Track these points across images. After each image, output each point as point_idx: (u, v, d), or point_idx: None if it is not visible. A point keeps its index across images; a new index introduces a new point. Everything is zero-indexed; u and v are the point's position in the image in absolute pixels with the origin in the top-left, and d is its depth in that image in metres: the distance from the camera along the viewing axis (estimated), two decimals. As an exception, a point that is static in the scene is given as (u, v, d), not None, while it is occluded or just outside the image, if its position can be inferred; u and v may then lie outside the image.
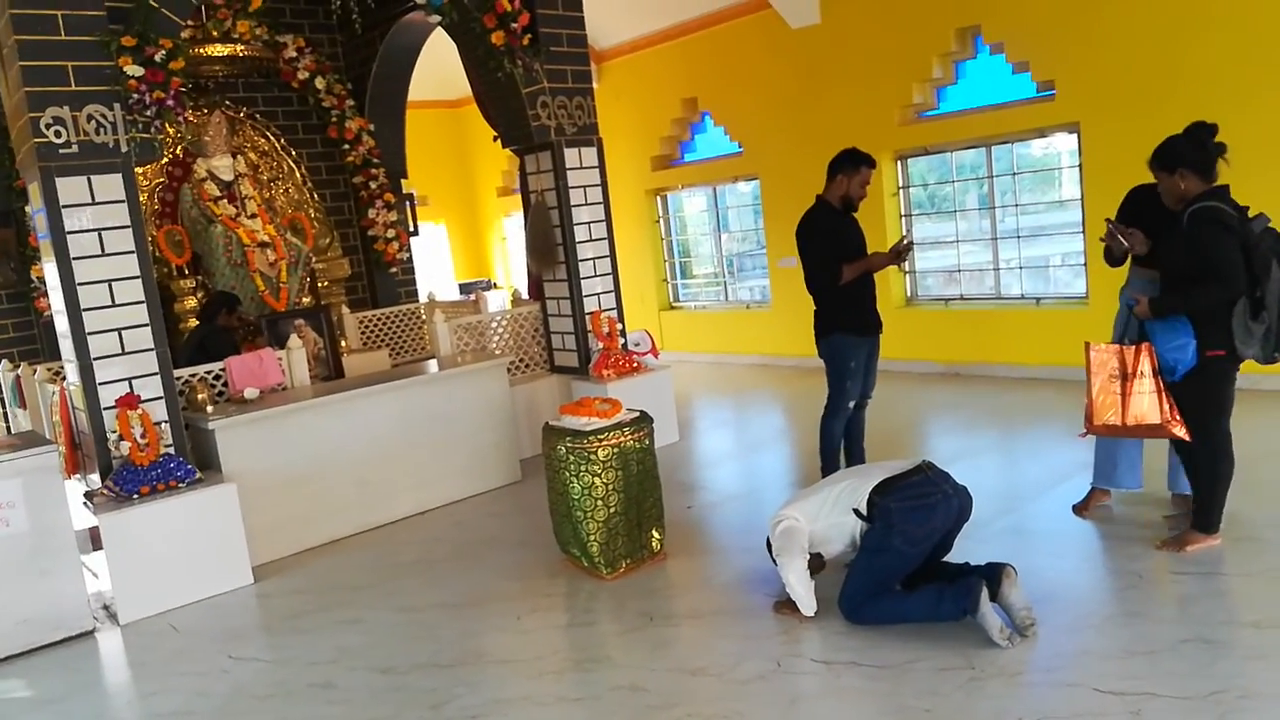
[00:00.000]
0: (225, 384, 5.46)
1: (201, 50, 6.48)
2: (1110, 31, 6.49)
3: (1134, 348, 3.77)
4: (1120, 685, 2.96)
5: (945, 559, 3.64)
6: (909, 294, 8.32)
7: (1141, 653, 3.19)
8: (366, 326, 7.85)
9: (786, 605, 3.69)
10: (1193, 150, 3.65)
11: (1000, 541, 4.17)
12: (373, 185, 7.94)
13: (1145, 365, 3.74)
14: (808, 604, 3.59)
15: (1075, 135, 6.90)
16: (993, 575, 3.36)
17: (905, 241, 4.85)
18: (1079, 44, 6.64)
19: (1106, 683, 2.98)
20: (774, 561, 3.69)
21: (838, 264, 4.71)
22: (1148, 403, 3.75)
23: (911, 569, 3.51)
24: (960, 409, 6.90)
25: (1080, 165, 6.88)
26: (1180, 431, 3.75)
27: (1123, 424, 3.83)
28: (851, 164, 4.73)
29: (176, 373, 5.09)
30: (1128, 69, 6.44)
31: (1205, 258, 3.53)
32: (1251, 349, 3.62)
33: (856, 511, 3.52)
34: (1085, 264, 6.99)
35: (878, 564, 3.50)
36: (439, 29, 6.52)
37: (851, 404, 4.96)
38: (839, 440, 4.99)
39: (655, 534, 4.44)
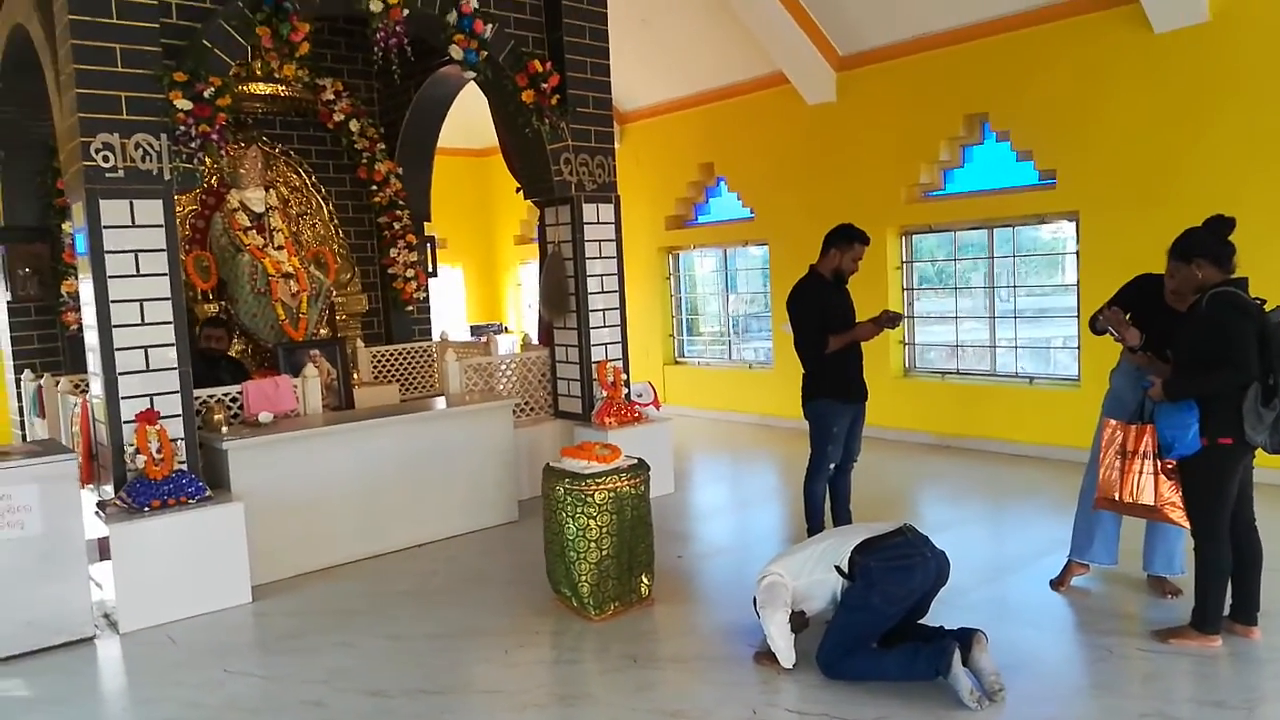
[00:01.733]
0: (241, 407, 5.65)
1: (245, 88, 6.78)
2: (1110, 128, 6.78)
3: (1138, 427, 3.88)
4: (1080, 752, 3.08)
5: (922, 621, 3.78)
6: (907, 365, 8.52)
7: (1102, 722, 3.33)
8: (379, 361, 8.06)
9: (767, 657, 3.82)
10: (1211, 241, 3.76)
11: (979, 610, 4.30)
12: (396, 226, 8.20)
13: (1147, 445, 3.84)
14: (787, 656, 3.72)
15: (1074, 223, 7.16)
16: (965, 639, 3.50)
17: (889, 313, 5.00)
18: (1080, 137, 6.93)
19: (1067, 749, 3.11)
20: (758, 615, 3.83)
21: (824, 334, 4.92)
22: (1146, 483, 3.84)
23: (888, 628, 3.65)
24: (950, 480, 7.05)
25: (1078, 253, 7.12)
26: (1176, 516, 3.82)
27: (1121, 501, 3.94)
28: (846, 240, 4.98)
29: (195, 393, 5.28)
30: (1125, 164, 6.72)
31: (1221, 341, 3.61)
32: (1261, 436, 3.64)
33: (838, 569, 3.67)
34: (1079, 347, 7.19)
35: (856, 621, 3.64)
36: (472, 83, 6.84)
37: (833, 466, 5.14)
38: (821, 499, 5.15)
39: (645, 579, 4.58)
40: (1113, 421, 4.02)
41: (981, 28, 7.38)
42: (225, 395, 5.63)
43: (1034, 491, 6.44)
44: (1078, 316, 7.17)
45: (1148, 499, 3.86)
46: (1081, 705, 3.46)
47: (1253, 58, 6.10)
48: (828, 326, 4.97)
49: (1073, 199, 7.07)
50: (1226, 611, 3.89)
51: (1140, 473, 3.87)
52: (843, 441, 5.12)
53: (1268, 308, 3.70)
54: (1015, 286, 7.96)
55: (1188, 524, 3.83)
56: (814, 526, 5.11)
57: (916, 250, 8.51)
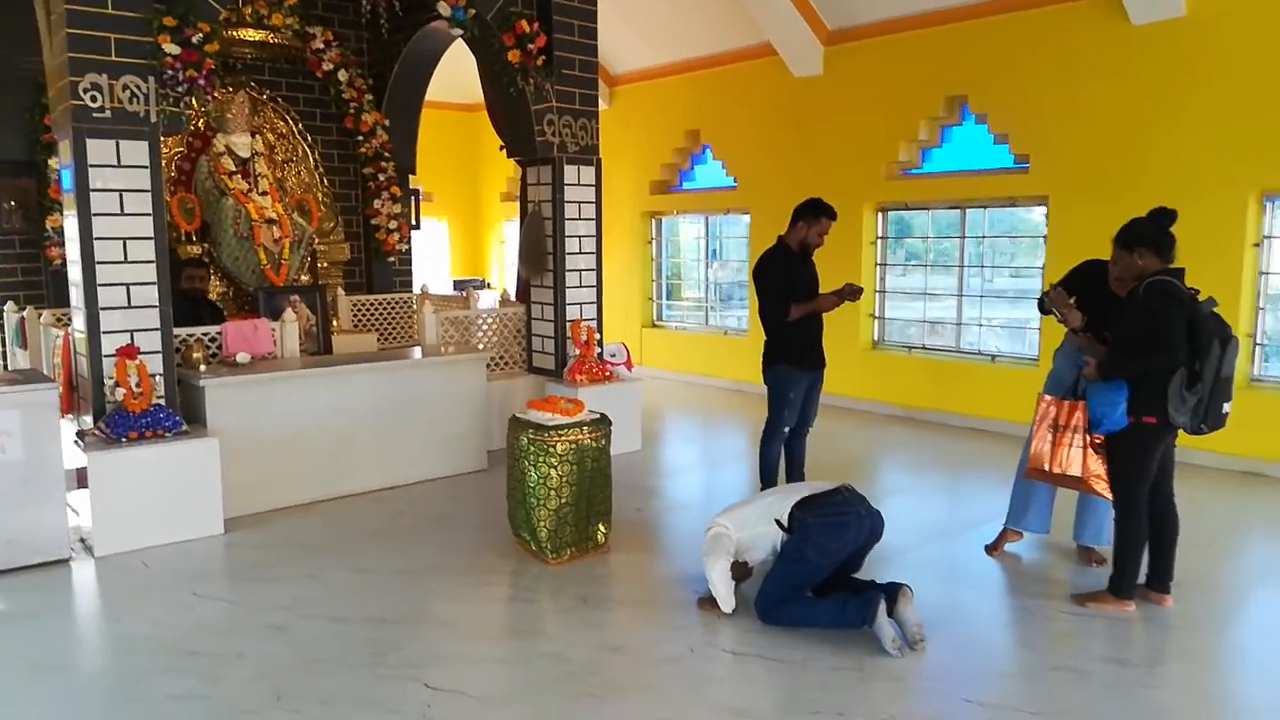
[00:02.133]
0: (220, 346, 5.81)
1: (234, 33, 6.85)
2: (1084, 116, 6.94)
3: (1070, 403, 4.11)
4: (985, 698, 3.33)
5: (855, 576, 4.01)
6: (876, 338, 8.73)
7: (1013, 674, 3.59)
8: (359, 310, 8.20)
9: (709, 602, 4.05)
10: (1154, 232, 3.96)
11: (915, 568, 4.53)
12: (381, 177, 8.30)
13: (1078, 420, 4.06)
14: (727, 601, 3.95)
15: (1044, 208, 7.34)
16: (892, 593, 3.74)
17: (851, 286, 5.18)
18: (1055, 124, 7.09)
19: (974, 695, 3.36)
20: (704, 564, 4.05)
21: (787, 302, 5.10)
22: (1074, 455, 4.08)
23: (822, 579, 3.88)
24: (910, 450, 7.29)
25: (1045, 237, 7.32)
26: (1100, 488, 4.06)
27: (1050, 471, 4.17)
28: (813, 213, 5.15)
29: (174, 331, 5.43)
30: (1097, 152, 6.89)
31: (1154, 327, 3.81)
32: (1183, 417, 3.85)
33: (778, 522, 3.89)
34: (1040, 328, 7.40)
35: (792, 571, 3.87)
36: (460, 39, 6.92)
37: (787, 429, 5.35)
38: (775, 460, 5.37)
39: (601, 528, 4.80)
40: (1047, 397, 4.25)
41: (966, 10, 7.50)
42: (204, 335, 5.78)
43: (988, 464, 6.68)
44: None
45: (1075, 470, 4.09)
46: (997, 658, 3.72)
47: (1226, 53, 6.25)
48: (791, 296, 5.15)
49: (1044, 184, 7.25)
50: (1142, 580, 4.14)
51: (1070, 446, 4.10)
52: (799, 407, 5.33)
53: (1201, 298, 3.89)
54: (984, 267, 8.15)
55: (1110, 495, 4.06)
56: (766, 485, 5.33)
57: (896, 227, 8.68)
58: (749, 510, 4.05)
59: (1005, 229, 8.46)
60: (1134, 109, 6.70)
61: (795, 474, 5.51)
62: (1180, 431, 3.97)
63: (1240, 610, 4.24)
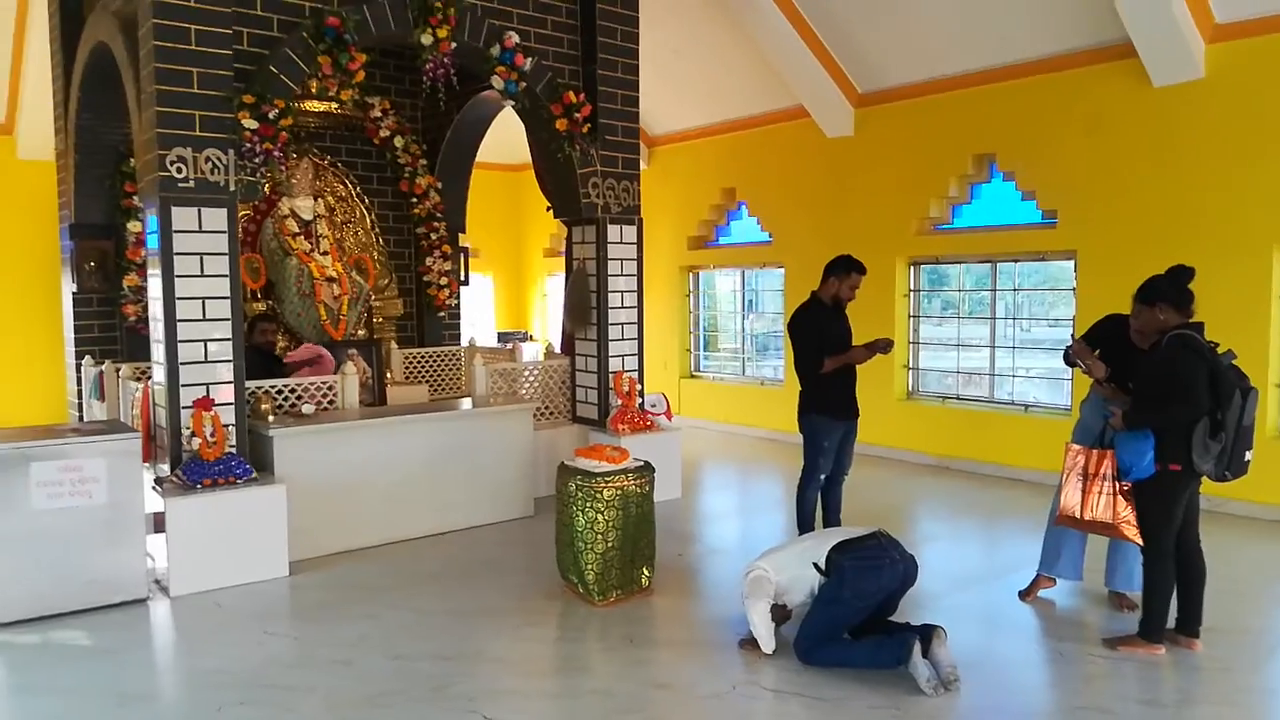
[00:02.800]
0: (285, 399, 6.18)
1: (301, 104, 7.36)
2: (1109, 173, 7.17)
3: (1099, 451, 4.27)
4: (1017, 735, 3.49)
5: (890, 618, 4.19)
6: (910, 389, 8.91)
7: (1044, 713, 3.74)
8: (411, 362, 8.57)
9: (750, 643, 4.25)
10: (1172, 289, 4.16)
11: (949, 613, 4.68)
12: (433, 236, 8.74)
13: (1107, 469, 4.22)
14: (767, 642, 4.14)
15: (1072, 262, 7.54)
16: (926, 634, 3.91)
17: (883, 340, 5.41)
18: (1081, 181, 7.33)
19: (1006, 732, 3.51)
20: (744, 606, 4.26)
21: (821, 355, 5.36)
22: (1104, 502, 4.23)
23: (858, 621, 4.07)
24: (944, 498, 7.43)
25: (1074, 289, 7.50)
26: (1130, 533, 4.20)
27: (1081, 518, 4.32)
28: (844, 269, 5.42)
29: (285, 382, 5.89)
30: (1122, 208, 7.10)
31: (1175, 378, 3.99)
32: (1207, 464, 3.99)
33: (815, 566, 4.09)
34: (1071, 378, 7.55)
35: (829, 614, 4.06)
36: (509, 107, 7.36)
37: (823, 476, 5.56)
38: (812, 507, 5.57)
39: (645, 571, 5.02)
40: (1075, 446, 4.42)
41: (992, 73, 7.80)
42: (273, 388, 6.15)
43: (1021, 512, 6.80)
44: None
45: (1105, 516, 4.24)
46: (1027, 698, 3.87)
47: (1245, 112, 6.47)
48: (825, 349, 5.40)
49: (1072, 239, 7.46)
50: (1172, 624, 4.27)
51: (1100, 493, 4.25)
52: (834, 455, 5.54)
53: (1221, 350, 4.07)
54: (1015, 319, 8.34)
55: (1140, 540, 4.20)
56: (804, 531, 5.53)
57: (928, 280, 8.91)
58: (787, 554, 4.25)
59: (1037, 281, 8.65)
60: (1157, 166, 6.91)
61: (832, 520, 5.70)
62: (1205, 480, 4.13)
63: (1270, 655, 4.33)
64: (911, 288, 8.82)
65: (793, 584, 4.18)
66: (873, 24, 8.18)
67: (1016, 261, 8.11)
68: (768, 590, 4.17)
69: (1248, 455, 4.08)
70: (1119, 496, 4.21)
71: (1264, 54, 6.36)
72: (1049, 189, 7.60)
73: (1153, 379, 4.13)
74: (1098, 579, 4.94)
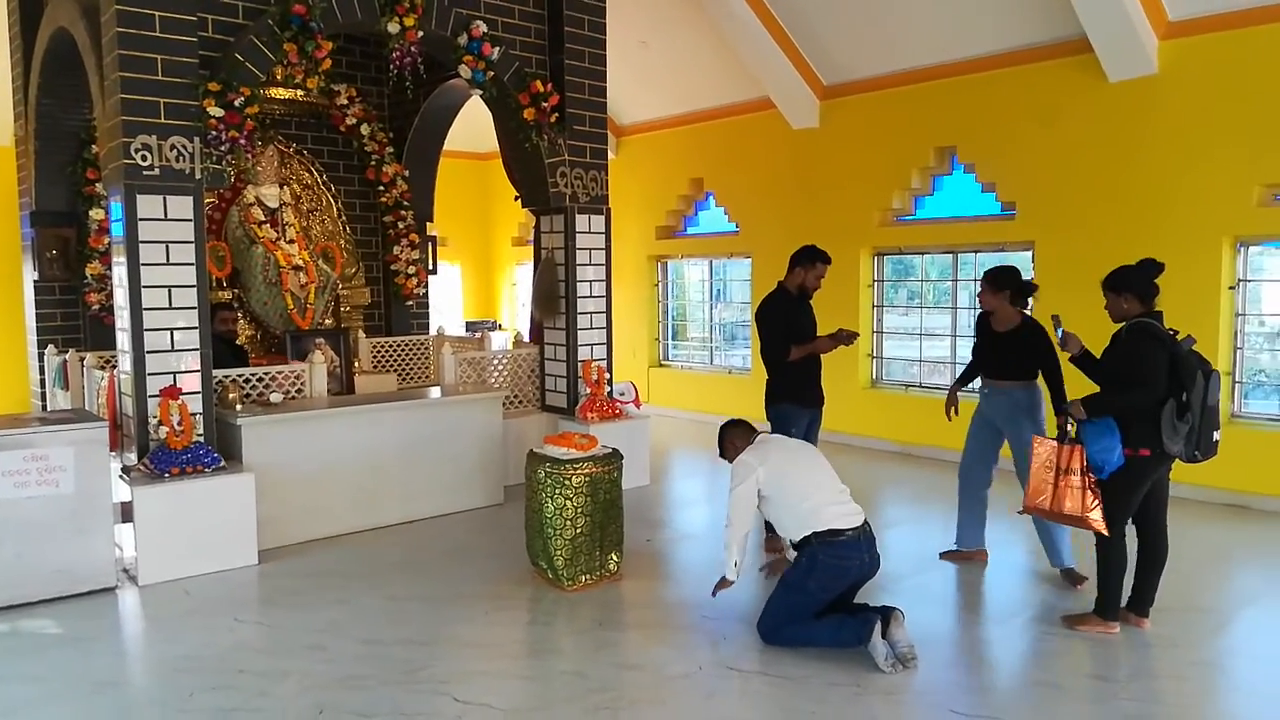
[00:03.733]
0: (253, 388, 6.16)
1: (266, 92, 7.29)
2: (1065, 166, 7.35)
3: (1068, 447, 4.30)
4: (972, 710, 3.62)
5: (852, 600, 4.31)
6: (874, 377, 9.07)
7: (999, 689, 3.89)
8: (379, 351, 8.57)
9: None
10: (1141, 280, 4.28)
11: (911, 593, 4.82)
12: (400, 225, 8.73)
13: (1076, 463, 4.26)
14: (730, 567, 4.24)
15: (1030, 253, 7.72)
16: (885, 616, 4.03)
17: (845, 331, 5.50)
18: (1039, 173, 7.50)
19: (961, 707, 3.64)
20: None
21: (787, 344, 5.46)
22: (1071, 495, 4.27)
23: (818, 609, 4.17)
24: (907, 484, 7.60)
25: (1032, 279, 7.67)
26: (1097, 525, 4.24)
27: (1049, 509, 4.38)
28: (809, 259, 5.53)
29: (253, 370, 5.91)
30: (1078, 200, 7.29)
31: (1135, 363, 4.13)
32: (1177, 446, 4.07)
33: (792, 543, 4.19)
34: (1030, 367, 7.72)
35: (793, 601, 4.16)
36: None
37: None
38: None
39: (614, 557, 5.10)
40: (1043, 440, 4.45)
41: (953, 67, 7.95)
42: (240, 376, 6.13)
43: (980, 498, 6.97)
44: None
45: (1074, 510, 4.26)
46: (984, 674, 4.02)
47: (1196, 107, 6.66)
48: (791, 338, 5.50)
49: (1030, 230, 7.63)
50: (1124, 602, 4.42)
51: (1070, 487, 4.28)
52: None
53: (1180, 337, 4.19)
54: (976, 309, 8.48)
55: (1106, 530, 4.24)
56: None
57: (892, 270, 9.06)
58: (798, 491, 4.19)
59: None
60: (1112, 160, 7.10)
61: None
62: (1175, 464, 4.24)
63: (1218, 632, 4.50)
64: (875, 278, 8.97)
65: (772, 513, 4.26)
66: (837, 17, 8.29)
67: (977, 252, 8.28)
68: (751, 504, 4.22)
69: (1216, 435, 4.16)
70: (1088, 491, 4.24)
71: (1215, 50, 6.54)
72: (1008, 181, 7.76)
73: (1114, 365, 4.25)
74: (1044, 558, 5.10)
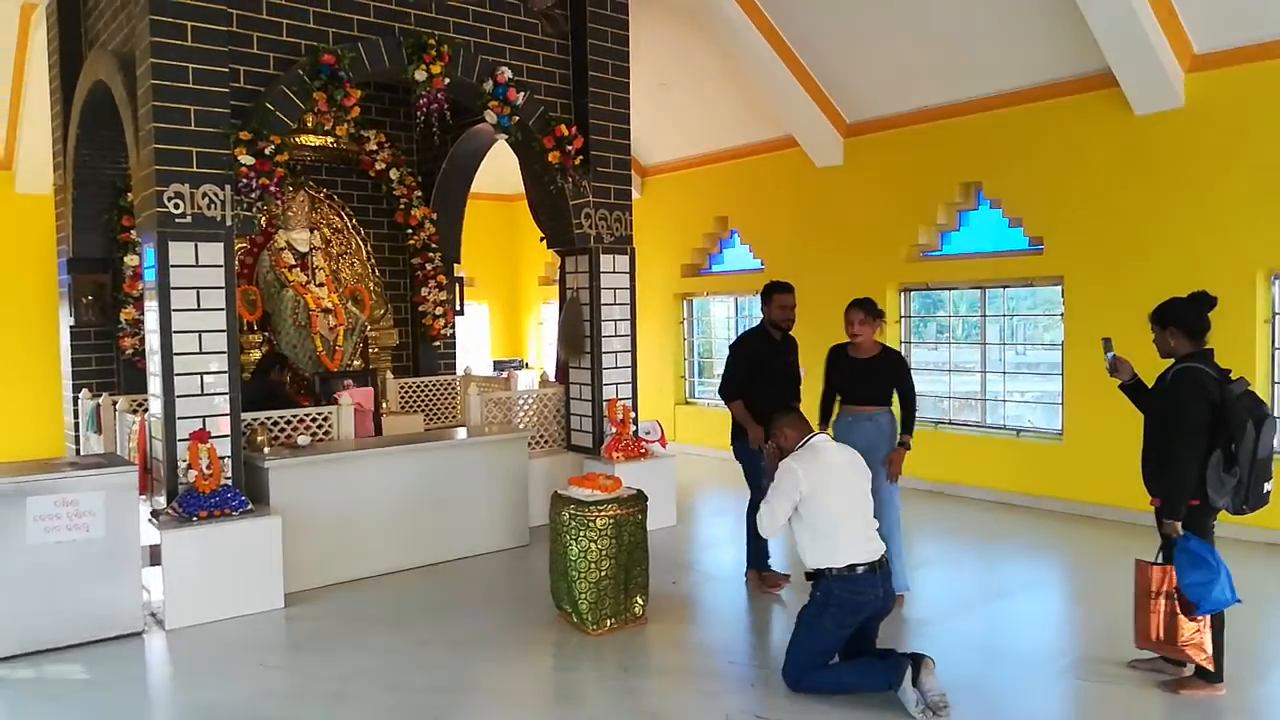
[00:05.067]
0: (281, 430, 6.22)
1: (297, 138, 7.46)
2: (1093, 200, 7.27)
3: (1160, 568, 3.96)
4: (1007, 760, 3.52)
5: (877, 643, 4.21)
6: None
7: (1034, 738, 3.76)
8: (407, 391, 8.63)
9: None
10: (1188, 314, 4.02)
11: (944, 639, 4.71)
12: (428, 267, 8.83)
13: (1169, 585, 3.90)
14: (769, 527, 4.14)
15: (1060, 287, 7.63)
16: (916, 663, 3.93)
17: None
18: (1066, 208, 7.44)
19: (996, 757, 3.54)
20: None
21: (743, 385, 5.57)
22: (1166, 623, 3.92)
23: (839, 647, 4.09)
24: (938, 523, 7.46)
25: (1063, 314, 7.59)
26: (1200, 658, 3.87)
27: (1154, 642, 3.98)
28: (766, 295, 5.65)
29: (281, 413, 6.00)
30: (1107, 234, 7.20)
31: (1174, 412, 3.93)
32: (1224, 499, 3.87)
33: (807, 572, 4.12)
34: (1062, 403, 7.61)
35: (812, 641, 4.08)
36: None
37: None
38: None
39: (639, 600, 5.05)
40: (1141, 563, 4.11)
41: (977, 103, 7.93)
42: (268, 419, 6.19)
43: (1012, 536, 6.84)
44: (1061, 374, 7.62)
45: (1171, 638, 3.93)
46: (1017, 723, 3.89)
47: (1225, 139, 6.59)
48: (758, 375, 5.55)
49: (1059, 264, 7.55)
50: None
51: (1160, 613, 3.95)
52: None
53: (1234, 377, 3.95)
54: (1005, 345, 8.41)
55: (1210, 665, 3.93)
56: (751, 554, 5.69)
57: (920, 305, 9.00)
58: (830, 514, 4.05)
59: (1028, 306, 8.73)
60: (1141, 193, 7.02)
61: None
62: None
63: (1263, 679, 4.35)
64: (903, 314, 8.90)
65: (799, 529, 4.14)
66: (858, 56, 8.32)
67: (1005, 287, 8.20)
68: (794, 497, 4.08)
69: (1267, 486, 3.91)
70: (1181, 618, 3.91)
71: (1242, 82, 6.48)
72: (1035, 216, 7.70)
73: (1161, 413, 4.05)
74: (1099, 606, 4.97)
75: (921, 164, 8.43)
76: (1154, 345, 4.18)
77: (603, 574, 4.84)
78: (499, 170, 10.64)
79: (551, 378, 8.36)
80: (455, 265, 9.31)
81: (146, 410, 6.06)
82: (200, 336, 5.55)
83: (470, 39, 6.70)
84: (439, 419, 8.71)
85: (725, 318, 11.40)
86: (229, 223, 5.64)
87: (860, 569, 4.03)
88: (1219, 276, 6.51)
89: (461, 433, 6.96)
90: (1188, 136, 6.76)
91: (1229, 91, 6.56)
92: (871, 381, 5.33)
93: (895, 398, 5.38)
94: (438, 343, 9.15)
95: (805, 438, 4.28)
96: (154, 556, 5.30)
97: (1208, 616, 3.91)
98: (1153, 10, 6.40)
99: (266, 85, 5.91)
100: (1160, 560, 4.06)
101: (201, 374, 5.56)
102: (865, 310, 5.33)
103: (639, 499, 5.07)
